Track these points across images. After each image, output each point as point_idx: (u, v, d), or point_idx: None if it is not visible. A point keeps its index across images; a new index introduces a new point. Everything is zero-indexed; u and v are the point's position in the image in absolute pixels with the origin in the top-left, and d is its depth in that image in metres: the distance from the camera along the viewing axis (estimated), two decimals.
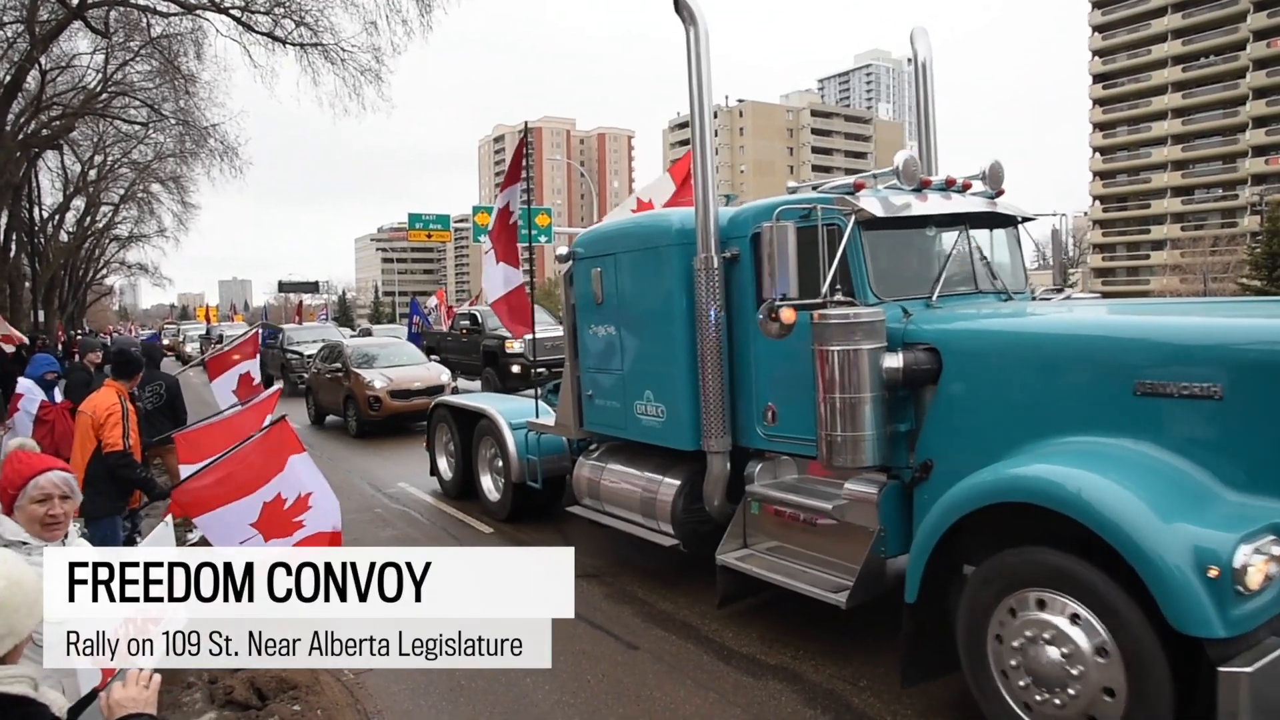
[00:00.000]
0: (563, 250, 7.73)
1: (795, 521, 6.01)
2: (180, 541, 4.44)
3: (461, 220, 51.08)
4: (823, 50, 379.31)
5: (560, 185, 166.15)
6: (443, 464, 10.67)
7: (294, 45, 19.02)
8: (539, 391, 9.63)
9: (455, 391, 17.19)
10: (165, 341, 38.71)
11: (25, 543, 3.13)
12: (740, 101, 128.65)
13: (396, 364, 17.17)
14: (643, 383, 6.87)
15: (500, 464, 9.28)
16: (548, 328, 18.87)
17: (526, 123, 11.86)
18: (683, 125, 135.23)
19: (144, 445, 7.97)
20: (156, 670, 1.85)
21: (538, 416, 8.83)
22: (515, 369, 18.85)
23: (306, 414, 18.56)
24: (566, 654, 5.85)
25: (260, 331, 13.93)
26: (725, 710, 5.00)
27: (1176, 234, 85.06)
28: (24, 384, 7.14)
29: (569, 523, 8.53)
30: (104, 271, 63.80)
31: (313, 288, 76.76)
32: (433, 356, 20.80)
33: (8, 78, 24.68)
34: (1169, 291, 66.31)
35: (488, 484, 9.71)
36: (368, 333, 32.47)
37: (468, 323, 21.85)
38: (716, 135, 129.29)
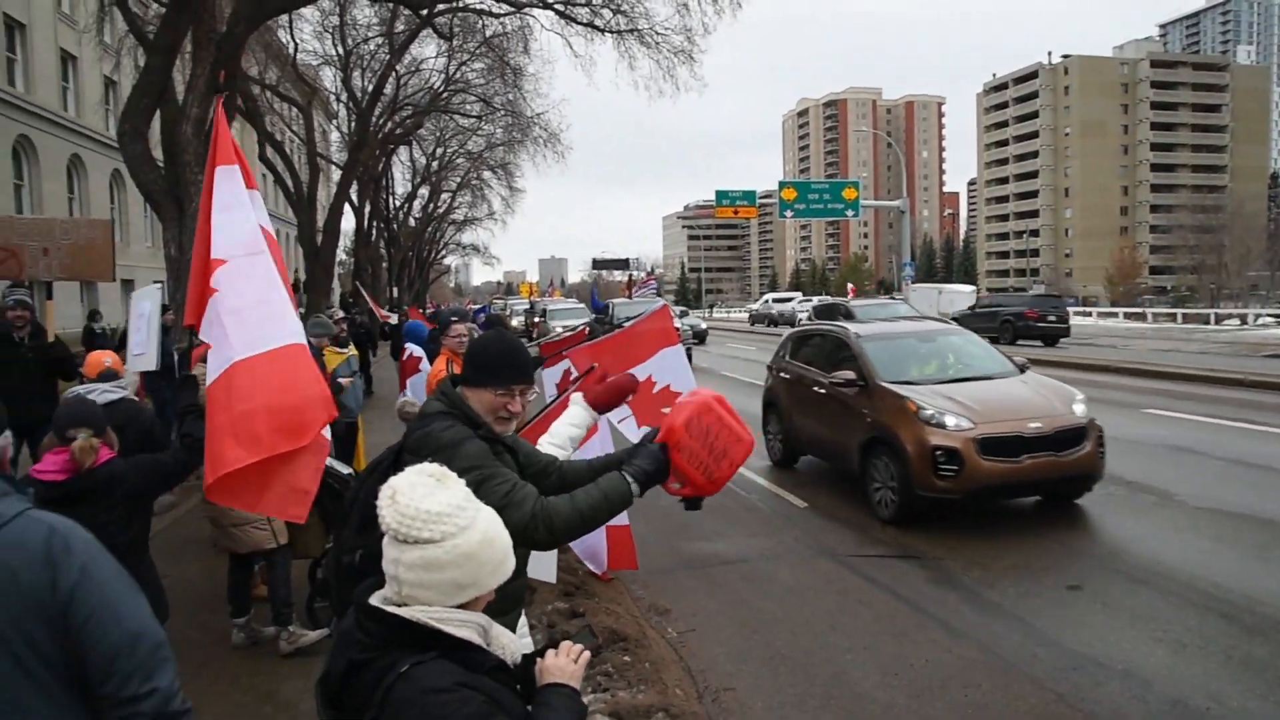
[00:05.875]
0: None
1: None
2: None
3: (766, 196, 51.30)
4: None
5: (866, 158, 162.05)
6: None
7: (611, 33, 19.87)
8: None
9: (1098, 441, 8.11)
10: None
11: None
12: (1065, 58, 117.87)
13: (960, 376, 8.95)
14: None
15: None
16: None
17: None
18: (999, 88, 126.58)
19: None
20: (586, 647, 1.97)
21: None
22: None
23: (764, 447, 10.97)
24: (887, 634, 5.72)
25: (586, 330, 13.36)
26: (1069, 714, 4.63)
27: None
28: (416, 349, 8.08)
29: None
30: (443, 252, 71.21)
31: (623, 264, 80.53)
32: None
33: (371, 86, 28.13)
34: None
35: None
36: (846, 314, 20.12)
37: None
38: (1037, 97, 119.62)
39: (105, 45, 22.64)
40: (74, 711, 1.77)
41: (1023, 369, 9.22)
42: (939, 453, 7.69)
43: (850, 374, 8.93)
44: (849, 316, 16.55)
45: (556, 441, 3.04)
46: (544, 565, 4.40)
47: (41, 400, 7.05)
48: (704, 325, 38.23)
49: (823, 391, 9.59)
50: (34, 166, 26.07)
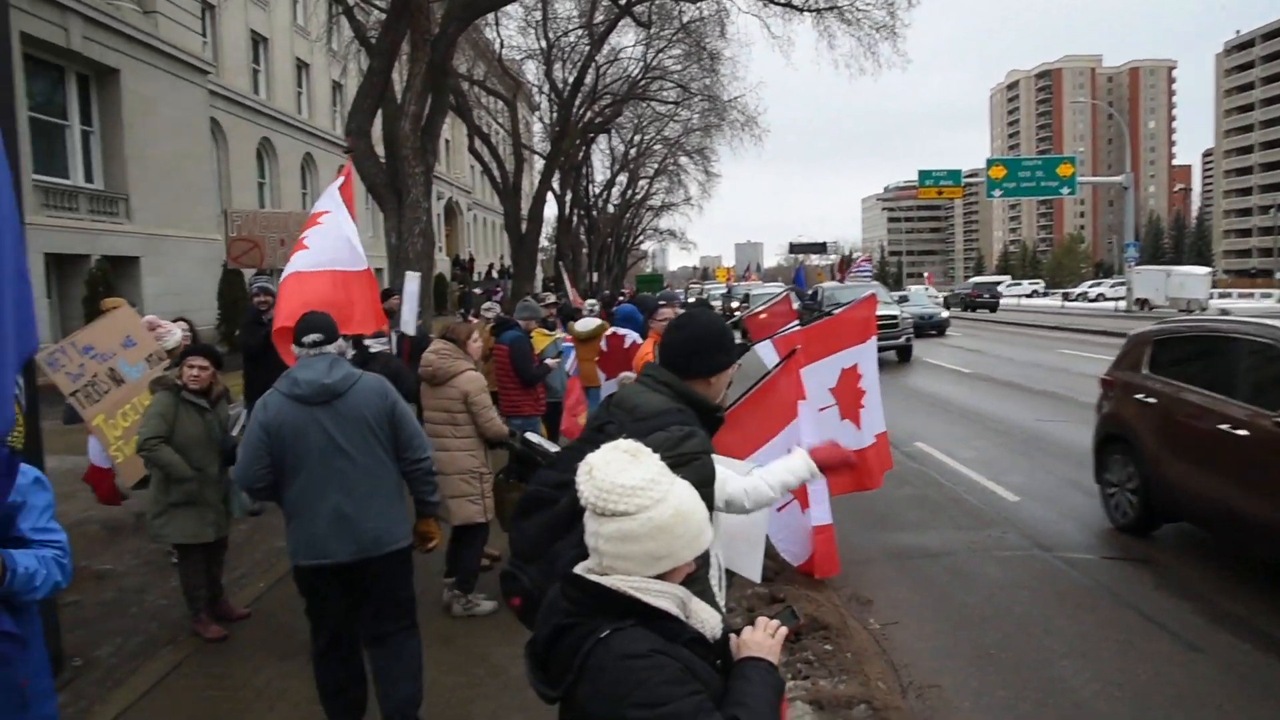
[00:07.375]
0: None
1: None
2: None
3: (972, 175, 48.81)
4: None
5: (1084, 130, 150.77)
6: None
7: (810, 11, 19.49)
8: None
9: None
10: (691, 300, 42.72)
11: None
12: None
13: None
14: None
15: None
16: None
17: None
18: (1243, 46, 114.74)
19: None
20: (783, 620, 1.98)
21: None
22: None
23: (1105, 504, 7.65)
24: (1109, 641, 5.32)
25: (790, 295, 12.93)
26: None
27: None
28: (633, 334, 8.29)
29: None
30: (640, 238, 72.49)
31: (820, 248, 79.09)
32: None
33: (572, 77, 28.96)
34: None
35: None
36: None
37: None
38: None
39: (333, 52, 24.52)
40: (392, 459, 4.06)
41: None
42: None
43: None
44: None
45: (771, 481, 2.97)
46: (750, 563, 4.36)
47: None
48: (944, 314, 30.54)
49: (1243, 434, 5.92)
50: (274, 165, 28.68)
